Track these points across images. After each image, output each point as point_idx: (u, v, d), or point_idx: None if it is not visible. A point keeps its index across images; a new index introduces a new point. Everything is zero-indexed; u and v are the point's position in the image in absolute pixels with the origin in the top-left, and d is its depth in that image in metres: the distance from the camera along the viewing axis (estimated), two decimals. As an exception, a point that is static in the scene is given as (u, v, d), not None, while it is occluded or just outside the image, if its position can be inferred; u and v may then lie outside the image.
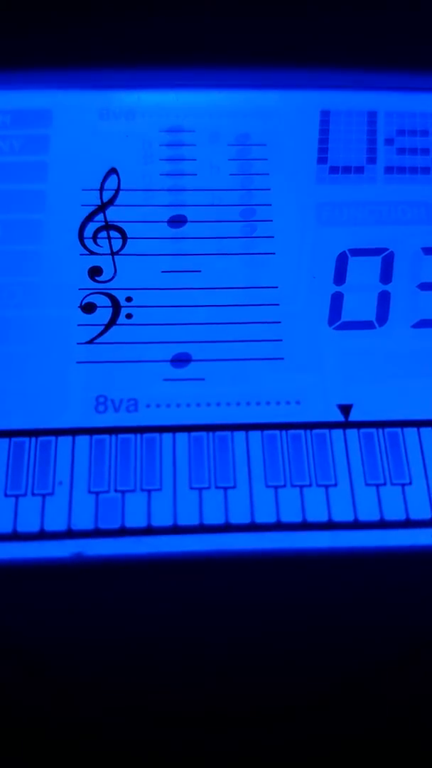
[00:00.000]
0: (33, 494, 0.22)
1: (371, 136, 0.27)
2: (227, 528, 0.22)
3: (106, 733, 0.20)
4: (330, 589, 0.22)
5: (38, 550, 0.22)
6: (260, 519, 0.22)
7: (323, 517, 0.22)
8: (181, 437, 0.23)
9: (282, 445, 0.23)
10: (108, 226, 0.26)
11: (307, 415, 0.24)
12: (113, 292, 0.25)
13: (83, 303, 0.25)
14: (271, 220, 0.26)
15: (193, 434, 0.23)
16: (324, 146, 0.27)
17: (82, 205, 0.26)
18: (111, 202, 0.26)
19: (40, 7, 0.26)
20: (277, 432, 0.23)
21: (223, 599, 0.21)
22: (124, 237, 0.26)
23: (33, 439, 0.23)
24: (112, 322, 0.25)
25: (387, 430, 0.24)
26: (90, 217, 0.26)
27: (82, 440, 0.23)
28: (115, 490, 0.23)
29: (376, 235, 0.26)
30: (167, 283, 0.25)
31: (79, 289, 0.25)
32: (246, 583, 0.21)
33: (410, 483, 0.23)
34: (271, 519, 0.22)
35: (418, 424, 0.24)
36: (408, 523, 0.23)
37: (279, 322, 0.25)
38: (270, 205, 0.26)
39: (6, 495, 0.22)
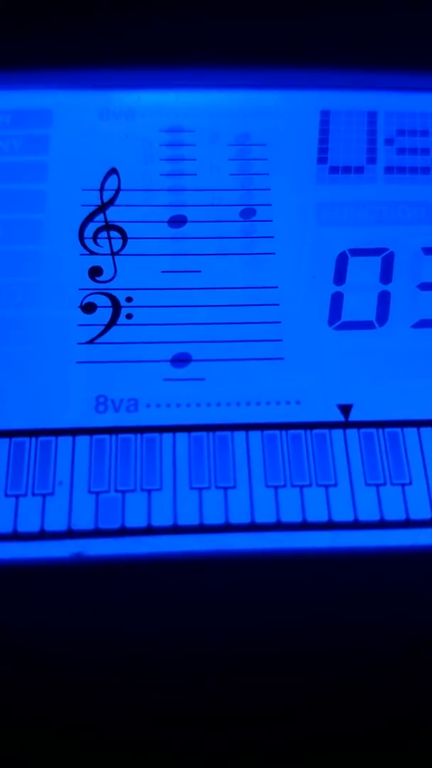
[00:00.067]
0: (33, 494, 0.22)
1: (371, 136, 0.27)
2: (227, 528, 0.22)
3: (106, 733, 0.20)
4: (330, 589, 0.22)
5: (38, 550, 0.22)
6: (260, 519, 0.22)
7: (323, 517, 0.22)
8: (181, 437, 0.23)
9: (282, 445, 0.23)
10: (108, 226, 0.26)
11: (307, 415, 0.24)
12: (113, 292, 0.25)
13: (83, 303, 0.25)
14: (271, 220, 0.26)
15: (193, 434, 0.23)
16: (324, 146, 0.27)
17: (83, 205, 0.26)
18: (111, 202, 0.26)
19: (40, 7, 0.26)
20: (277, 432, 0.23)
21: (223, 599, 0.21)
22: (125, 237, 0.26)
23: (33, 439, 0.23)
24: (113, 322, 0.25)
25: (387, 430, 0.24)
26: (90, 217, 0.26)
27: (83, 440, 0.23)
28: (116, 490, 0.23)
29: (376, 235, 0.26)
30: (167, 283, 0.25)
31: (80, 289, 0.25)
32: (246, 583, 0.21)
33: (410, 483, 0.23)
34: (271, 519, 0.22)
35: (418, 424, 0.24)
36: (408, 523, 0.23)
37: (279, 322, 0.25)
38: (270, 205, 0.26)
39: (6, 495, 0.22)
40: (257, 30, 0.26)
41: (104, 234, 0.26)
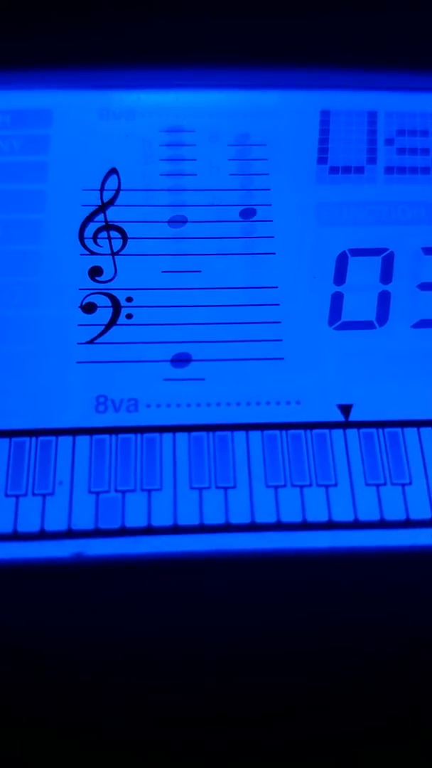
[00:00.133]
0: (33, 494, 0.22)
1: (371, 136, 0.27)
2: (227, 528, 0.22)
3: (106, 733, 0.20)
4: (330, 589, 0.21)
5: (38, 550, 0.22)
6: (260, 519, 0.22)
7: (323, 517, 0.22)
8: (181, 437, 0.23)
9: (282, 445, 0.23)
10: (108, 226, 0.26)
11: (307, 415, 0.24)
12: (113, 292, 0.25)
13: (83, 303, 0.25)
14: (271, 220, 0.26)
15: (193, 434, 0.23)
16: (324, 146, 0.27)
17: (83, 205, 0.26)
18: (111, 202, 0.26)
19: (40, 7, 0.26)
20: (277, 432, 0.23)
21: (223, 599, 0.21)
22: (125, 237, 0.26)
23: (33, 439, 0.23)
24: (113, 322, 0.25)
25: (387, 430, 0.24)
26: (90, 217, 0.26)
27: (83, 440, 0.23)
28: (116, 490, 0.23)
29: (376, 235, 0.26)
30: (167, 283, 0.25)
31: (80, 289, 0.25)
32: (246, 583, 0.21)
33: (410, 483, 0.23)
34: (271, 519, 0.22)
35: (418, 424, 0.24)
36: (408, 523, 0.23)
37: (279, 322, 0.25)
38: (270, 205, 0.26)
39: (6, 495, 0.22)
40: (257, 30, 0.26)
41: (104, 234, 0.26)
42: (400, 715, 0.20)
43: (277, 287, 0.25)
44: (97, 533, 0.22)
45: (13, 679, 0.20)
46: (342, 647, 0.21)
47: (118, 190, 0.26)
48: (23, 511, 0.22)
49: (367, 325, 0.25)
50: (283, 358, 0.24)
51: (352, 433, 0.24)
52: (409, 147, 0.27)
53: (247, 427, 0.23)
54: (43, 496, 0.22)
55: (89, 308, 0.25)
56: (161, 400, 0.24)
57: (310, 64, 0.27)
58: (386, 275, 0.26)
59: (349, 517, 0.23)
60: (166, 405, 0.24)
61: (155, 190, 0.26)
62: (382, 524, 0.23)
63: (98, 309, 0.25)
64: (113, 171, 0.26)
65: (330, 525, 0.22)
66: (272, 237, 0.26)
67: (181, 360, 0.24)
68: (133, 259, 0.25)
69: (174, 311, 0.25)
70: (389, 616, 0.21)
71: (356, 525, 0.22)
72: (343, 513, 0.23)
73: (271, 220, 0.26)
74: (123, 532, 0.22)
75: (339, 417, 0.24)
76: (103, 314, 0.25)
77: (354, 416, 0.24)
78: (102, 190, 0.26)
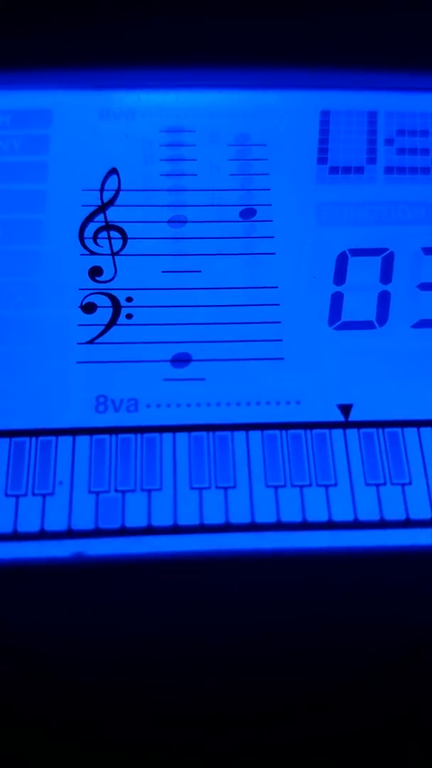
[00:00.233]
0: (33, 494, 0.22)
1: (371, 136, 0.27)
2: (227, 528, 0.22)
3: (106, 733, 0.20)
4: (330, 589, 0.22)
5: (38, 550, 0.22)
6: (260, 519, 0.22)
7: (323, 517, 0.22)
8: (181, 437, 0.23)
9: (282, 445, 0.23)
10: (108, 227, 0.26)
11: (307, 415, 0.24)
12: (113, 292, 0.25)
13: (83, 303, 0.25)
14: (271, 220, 0.26)
15: (193, 434, 0.23)
16: (324, 146, 0.27)
17: (83, 206, 0.26)
18: (111, 202, 0.26)
19: (40, 7, 0.26)
20: (277, 432, 0.23)
21: (223, 599, 0.21)
22: (125, 237, 0.26)
23: (33, 439, 0.23)
24: (113, 322, 0.25)
25: (387, 430, 0.24)
26: (90, 217, 0.26)
27: (83, 440, 0.23)
28: (116, 490, 0.23)
29: (376, 235, 0.26)
30: (167, 283, 0.25)
31: (80, 289, 0.25)
32: (246, 583, 0.21)
33: (410, 483, 0.23)
34: (271, 519, 0.22)
35: (418, 424, 0.24)
36: (408, 523, 0.23)
37: (279, 322, 0.25)
38: (270, 205, 0.26)
39: (6, 495, 0.22)
40: (257, 30, 0.26)
41: (104, 234, 0.26)
42: (400, 715, 0.20)
43: (277, 287, 0.25)
44: (97, 533, 0.22)
45: (13, 679, 0.20)
46: (342, 647, 0.21)
47: (118, 190, 0.26)
48: (23, 511, 0.22)
49: (367, 325, 0.25)
50: (283, 358, 0.24)
51: (352, 433, 0.24)
52: (409, 147, 0.27)
53: (247, 427, 0.23)
54: (43, 496, 0.22)
55: (89, 308, 0.25)
56: (161, 400, 0.24)
57: (310, 64, 0.27)
58: (386, 275, 0.26)
59: (349, 517, 0.23)
60: (166, 405, 0.24)
61: (155, 190, 0.26)
62: (382, 524, 0.23)
63: (98, 309, 0.25)
64: (113, 171, 0.26)
65: (330, 525, 0.22)
66: (272, 237, 0.26)
67: (181, 360, 0.24)
68: (133, 259, 0.25)
69: (174, 311, 0.25)
70: (389, 616, 0.21)
71: (356, 525, 0.22)
72: (343, 513, 0.23)
73: (271, 220, 0.26)
74: (123, 532, 0.22)
75: (339, 417, 0.24)
76: (103, 314, 0.25)
77: (354, 416, 0.24)
78: (102, 190, 0.26)
